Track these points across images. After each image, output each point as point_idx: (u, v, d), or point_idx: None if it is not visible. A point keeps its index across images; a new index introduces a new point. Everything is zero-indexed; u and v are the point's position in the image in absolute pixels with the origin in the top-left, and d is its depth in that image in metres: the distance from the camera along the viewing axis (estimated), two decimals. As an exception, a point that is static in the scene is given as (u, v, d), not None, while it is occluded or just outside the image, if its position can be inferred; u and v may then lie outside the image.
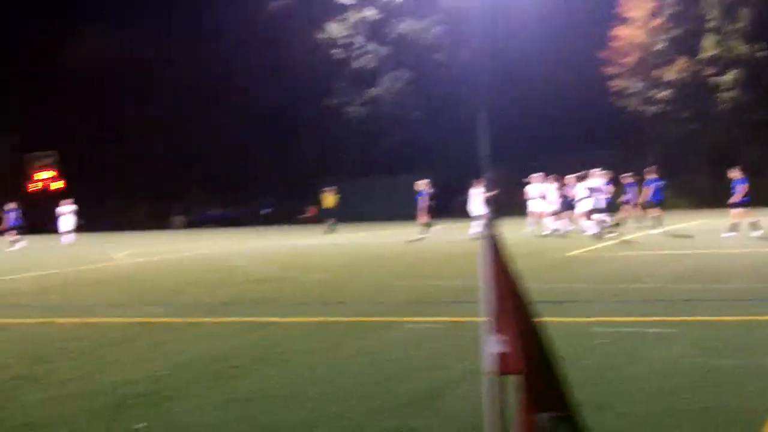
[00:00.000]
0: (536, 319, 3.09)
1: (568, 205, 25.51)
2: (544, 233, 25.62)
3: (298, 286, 14.02)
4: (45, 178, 65.13)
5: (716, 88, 44.84)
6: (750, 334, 7.78)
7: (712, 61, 44.93)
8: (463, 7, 52.08)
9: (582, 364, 6.55)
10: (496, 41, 50.27)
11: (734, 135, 44.24)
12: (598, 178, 24.33)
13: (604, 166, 26.51)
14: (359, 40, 54.74)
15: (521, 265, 3.18)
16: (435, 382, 6.29)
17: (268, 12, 54.79)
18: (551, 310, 8.89)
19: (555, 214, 26.07)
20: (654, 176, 26.83)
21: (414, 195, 29.21)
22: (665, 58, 46.07)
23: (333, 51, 54.27)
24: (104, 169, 59.86)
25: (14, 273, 19.49)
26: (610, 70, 47.00)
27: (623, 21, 46.99)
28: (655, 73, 46.32)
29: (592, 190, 23.70)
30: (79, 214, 38.46)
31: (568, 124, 48.17)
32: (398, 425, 5.21)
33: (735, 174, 22.40)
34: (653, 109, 46.72)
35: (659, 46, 46.37)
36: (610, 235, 23.33)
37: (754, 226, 21.62)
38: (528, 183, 27.43)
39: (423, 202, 28.42)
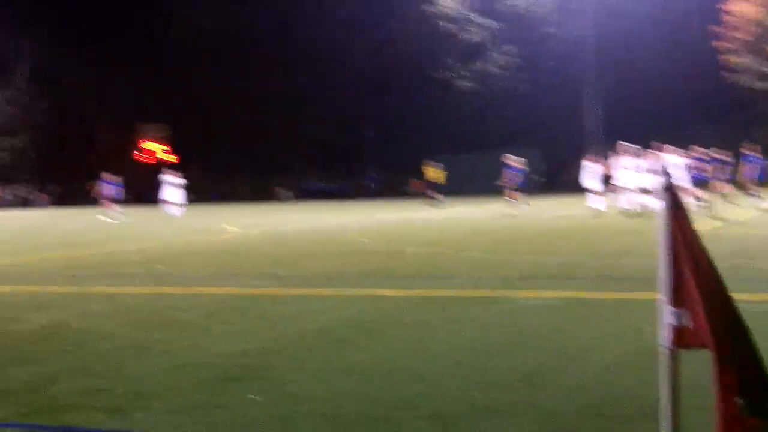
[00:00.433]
0: (727, 294, 2.67)
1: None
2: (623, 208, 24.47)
3: (407, 259, 13.80)
4: (154, 149, 66.58)
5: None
6: None
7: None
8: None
9: None
10: (608, 17, 49.21)
11: None
12: (673, 155, 23.50)
13: (711, 142, 25.41)
14: (469, 14, 54.12)
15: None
16: (549, 359, 5.97)
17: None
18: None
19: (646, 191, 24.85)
20: (753, 153, 25.49)
21: (512, 169, 28.79)
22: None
23: (442, 24, 53.78)
24: (210, 141, 60.99)
25: (122, 243, 19.76)
26: (722, 44, 45.58)
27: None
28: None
29: (653, 169, 22.61)
30: (188, 189, 38.74)
31: (676, 101, 47.21)
32: (514, 400, 4.91)
33: None
34: (766, 85, 45.27)
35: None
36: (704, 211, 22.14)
37: None
38: (624, 156, 26.19)
39: (513, 178, 28.00)
